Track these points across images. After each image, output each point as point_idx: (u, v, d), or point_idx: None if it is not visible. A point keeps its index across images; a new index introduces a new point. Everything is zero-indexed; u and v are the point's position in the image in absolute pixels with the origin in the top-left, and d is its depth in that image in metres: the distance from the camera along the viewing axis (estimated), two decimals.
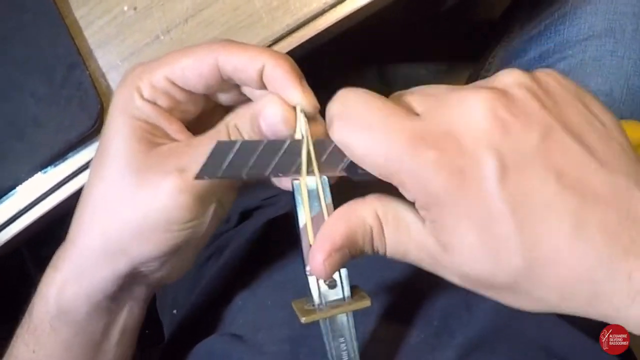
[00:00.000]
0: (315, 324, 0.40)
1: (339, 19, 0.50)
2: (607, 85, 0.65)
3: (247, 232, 0.65)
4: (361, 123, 0.32)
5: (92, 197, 0.40)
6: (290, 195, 0.38)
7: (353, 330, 0.40)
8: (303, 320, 0.38)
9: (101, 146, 0.40)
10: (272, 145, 0.35)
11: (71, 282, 0.41)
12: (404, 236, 0.34)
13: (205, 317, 0.58)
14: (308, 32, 0.51)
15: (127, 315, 0.44)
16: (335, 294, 0.39)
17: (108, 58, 0.52)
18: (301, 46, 0.50)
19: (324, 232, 0.35)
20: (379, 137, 0.31)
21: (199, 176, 0.35)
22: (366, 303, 0.39)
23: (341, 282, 0.39)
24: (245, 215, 0.68)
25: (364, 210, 0.35)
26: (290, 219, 0.57)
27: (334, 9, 0.50)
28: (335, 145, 0.34)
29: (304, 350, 0.48)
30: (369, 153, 0.32)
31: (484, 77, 0.77)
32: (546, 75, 0.33)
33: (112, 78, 0.51)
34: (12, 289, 0.99)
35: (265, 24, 0.50)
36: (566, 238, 0.29)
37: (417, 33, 0.92)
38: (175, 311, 0.69)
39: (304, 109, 0.37)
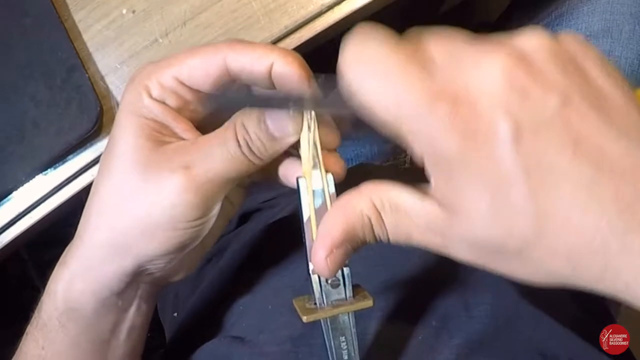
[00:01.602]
0: (317, 323, 0.40)
1: (337, 20, 0.50)
2: None
3: (246, 234, 0.65)
4: (378, 68, 0.31)
5: (99, 194, 0.40)
6: (290, 196, 0.39)
7: (354, 330, 0.40)
8: (304, 319, 0.38)
9: (109, 144, 0.40)
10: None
11: (78, 278, 0.41)
12: (404, 220, 0.34)
13: (205, 320, 0.58)
14: (306, 34, 0.51)
15: (135, 313, 0.44)
16: (337, 294, 0.39)
17: (107, 61, 0.52)
18: (299, 48, 0.51)
19: (323, 229, 0.35)
20: (394, 85, 0.30)
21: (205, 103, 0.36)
22: (368, 303, 0.39)
23: (344, 282, 0.39)
24: (244, 218, 0.68)
25: (361, 202, 0.34)
26: (288, 222, 0.57)
27: (331, 11, 0.50)
28: (341, 96, 0.33)
29: (305, 350, 0.48)
30: (382, 100, 0.31)
31: None
32: (570, 39, 0.32)
33: (111, 81, 0.52)
34: (14, 294, 1.00)
35: (262, 25, 0.51)
36: (579, 206, 0.29)
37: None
38: (175, 314, 0.69)
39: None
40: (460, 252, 0.33)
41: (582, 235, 0.29)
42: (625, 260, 0.28)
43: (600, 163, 0.29)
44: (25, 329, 0.45)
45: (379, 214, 0.34)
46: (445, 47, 0.32)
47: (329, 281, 0.39)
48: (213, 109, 0.35)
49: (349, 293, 0.39)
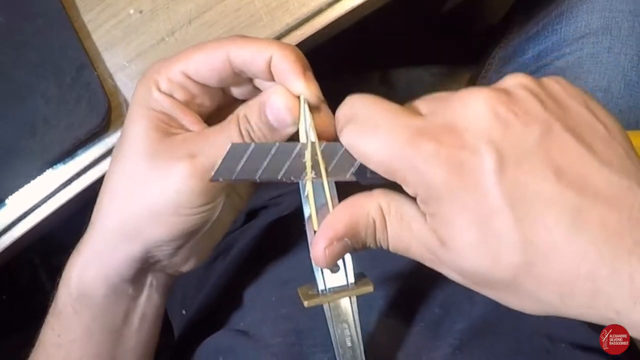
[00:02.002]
0: (320, 314, 0.41)
1: (337, 17, 0.51)
2: (605, 81, 0.66)
3: (253, 231, 0.65)
4: (368, 124, 0.33)
5: (111, 182, 0.41)
6: (296, 193, 0.40)
7: (357, 317, 0.41)
8: (306, 304, 0.39)
9: (121, 135, 0.41)
10: (284, 149, 0.37)
11: (91, 264, 0.42)
12: (406, 232, 0.35)
13: (213, 316, 0.58)
14: (307, 31, 0.52)
15: (146, 302, 0.45)
16: (339, 280, 0.40)
17: (115, 60, 0.53)
18: (301, 44, 0.52)
19: (328, 220, 0.36)
20: (383, 135, 0.32)
21: (214, 178, 0.37)
22: (369, 289, 0.40)
23: (345, 269, 0.40)
24: (251, 216, 0.69)
25: (369, 204, 0.36)
26: (294, 219, 0.58)
27: (331, 8, 0.52)
28: (345, 150, 0.36)
29: (308, 343, 0.49)
30: (374, 151, 0.33)
31: (484, 77, 0.78)
32: (550, 80, 0.34)
33: (119, 78, 0.53)
34: (26, 300, 1.00)
35: (265, 23, 0.52)
36: (565, 234, 0.29)
37: (418, 37, 0.93)
38: (184, 311, 0.70)
39: (307, 98, 0.38)
40: (453, 277, 0.34)
41: (569, 263, 0.29)
42: (615, 287, 0.29)
43: (584, 191, 0.29)
44: (36, 335, 0.46)
45: (385, 219, 0.35)
46: (430, 98, 0.34)
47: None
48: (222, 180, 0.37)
49: (351, 280, 0.40)
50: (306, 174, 0.38)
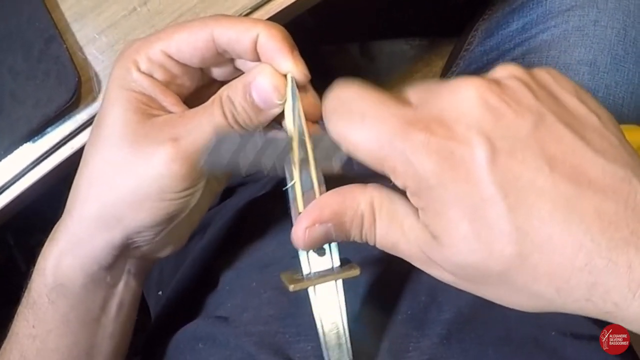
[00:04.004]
0: (304, 301, 0.39)
1: None
2: (591, 55, 0.65)
3: (230, 209, 0.64)
4: (355, 114, 0.32)
5: (88, 167, 0.40)
6: (277, 177, 0.39)
7: (342, 302, 0.40)
8: (291, 288, 0.38)
9: (98, 117, 0.40)
10: (271, 141, 0.37)
11: (68, 253, 0.41)
12: (396, 229, 0.34)
13: (190, 299, 0.58)
14: (287, 0, 0.50)
15: (124, 289, 0.45)
16: (324, 264, 0.39)
17: (85, 31, 0.51)
18: (280, 14, 0.50)
19: (315, 203, 0.36)
20: (370, 124, 0.32)
21: (203, 167, 0.37)
22: (355, 272, 0.39)
23: (330, 252, 0.39)
24: (228, 192, 0.68)
25: (361, 196, 0.35)
26: (273, 198, 0.57)
27: None
28: (332, 141, 0.34)
29: (291, 331, 0.48)
30: (362, 141, 0.32)
31: (467, 50, 0.77)
32: (541, 71, 0.33)
33: (90, 51, 0.51)
34: (0, 281, 0.98)
35: None
36: (559, 224, 0.29)
37: (398, 7, 0.92)
38: (160, 292, 0.68)
39: (295, 76, 0.38)
40: (444, 276, 0.34)
41: (565, 254, 0.29)
42: (613, 278, 0.28)
43: (579, 181, 0.29)
44: (12, 315, 0.44)
45: (374, 215, 0.35)
46: (420, 88, 0.33)
47: (316, 250, 0.38)
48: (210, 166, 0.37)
49: (336, 263, 0.39)
50: (292, 159, 0.37)
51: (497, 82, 0.31)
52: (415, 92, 0.33)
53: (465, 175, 0.29)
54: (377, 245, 0.36)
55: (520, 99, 0.31)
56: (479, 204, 0.29)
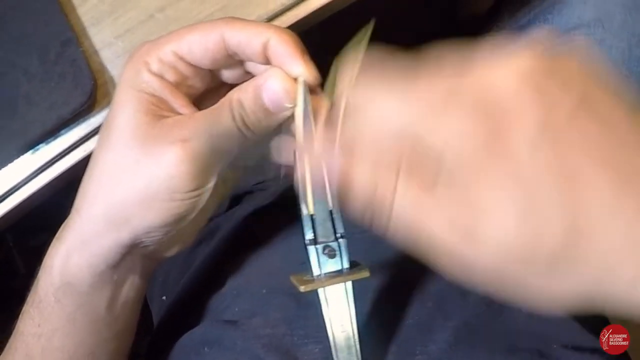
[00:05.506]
0: (313, 304, 0.40)
1: None
2: None
3: (238, 217, 0.65)
4: (392, 81, 0.31)
5: (97, 167, 0.40)
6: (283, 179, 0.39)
7: (352, 307, 0.40)
8: (302, 289, 0.38)
9: (108, 118, 0.40)
10: None
11: (75, 252, 0.41)
12: (426, 209, 0.31)
13: (195, 304, 0.58)
14: (302, 12, 0.51)
15: (129, 288, 0.45)
16: (334, 266, 0.39)
17: (102, 35, 0.51)
18: (295, 25, 0.51)
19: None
20: (411, 94, 0.30)
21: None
22: (364, 274, 0.39)
23: (340, 253, 0.39)
24: (236, 200, 0.68)
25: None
26: (280, 206, 0.57)
27: None
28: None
29: (300, 333, 0.48)
30: (397, 111, 0.31)
31: None
32: (568, 58, 0.31)
33: (106, 55, 0.51)
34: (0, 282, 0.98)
35: (259, 2, 0.50)
36: (608, 212, 0.28)
37: (404, 26, 0.92)
38: (164, 297, 0.68)
39: (306, 80, 0.38)
40: (476, 266, 0.30)
41: (612, 240, 0.28)
42: None
43: (624, 170, 0.28)
44: (11, 318, 0.45)
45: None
46: (459, 60, 0.31)
47: (326, 251, 0.39)
48: None
49: (346, 265, 0.39)
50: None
51: (539, 59, 0.30)
52: (455, 64, 0.31)
53: (514, 153, 0.28)
54: (394, 230, 0.32)
55: (566, 81, 0.29)
56: (529, 184, 0.28)
